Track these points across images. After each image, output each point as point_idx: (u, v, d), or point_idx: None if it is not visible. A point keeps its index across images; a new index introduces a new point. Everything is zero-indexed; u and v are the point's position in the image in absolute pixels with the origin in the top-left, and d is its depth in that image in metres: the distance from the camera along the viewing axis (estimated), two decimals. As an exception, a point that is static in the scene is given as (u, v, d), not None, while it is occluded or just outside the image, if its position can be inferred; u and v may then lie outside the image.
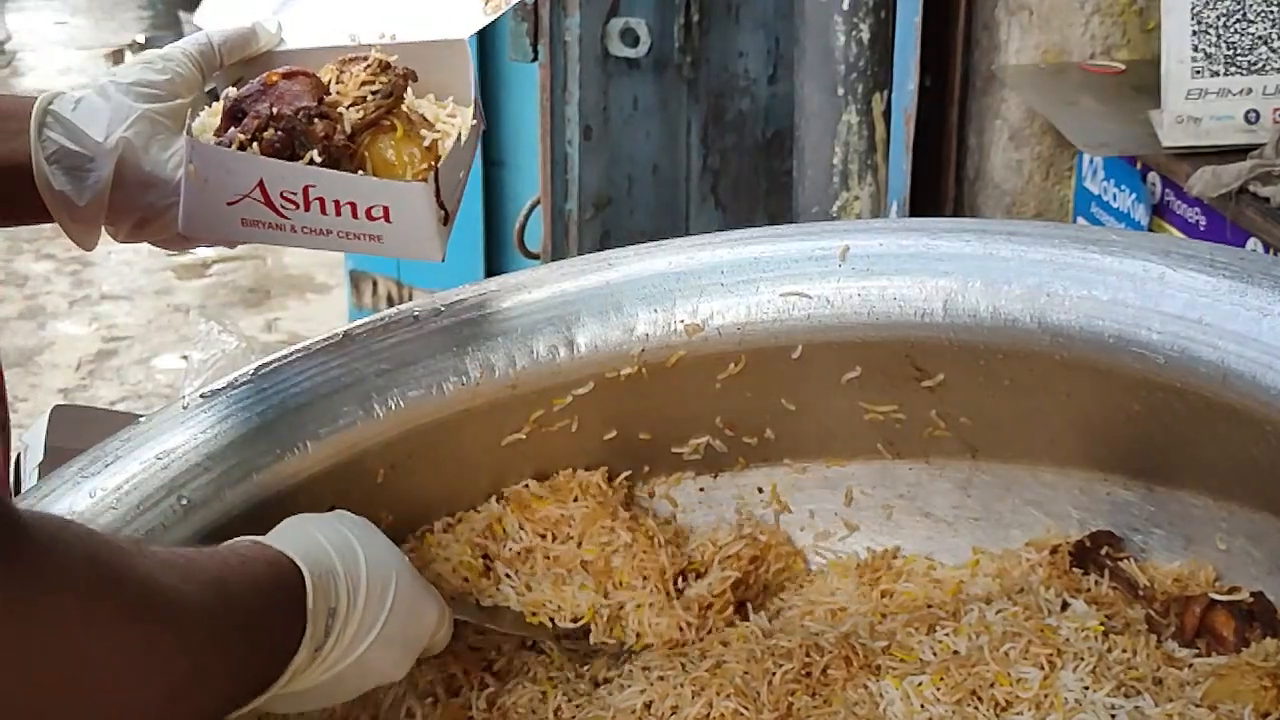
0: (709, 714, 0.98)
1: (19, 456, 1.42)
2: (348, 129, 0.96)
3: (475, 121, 1.01)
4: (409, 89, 1.00)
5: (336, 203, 0.95)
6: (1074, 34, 2.19)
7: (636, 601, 1.05)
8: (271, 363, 1.04)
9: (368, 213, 0.95)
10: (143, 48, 7.27)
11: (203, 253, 4.59)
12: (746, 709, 0.97)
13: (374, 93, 0.97)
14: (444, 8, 1.07)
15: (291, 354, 1.05)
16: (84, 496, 0.87)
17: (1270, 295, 0.91)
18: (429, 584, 0.96)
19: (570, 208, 2.51)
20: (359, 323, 1.08)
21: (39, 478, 1.16)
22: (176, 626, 0.72)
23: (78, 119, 0.97)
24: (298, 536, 0.87)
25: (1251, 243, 1.64)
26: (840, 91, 2.33)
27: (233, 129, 0.95)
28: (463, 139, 1.00)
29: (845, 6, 2.27)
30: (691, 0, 2.52)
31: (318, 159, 0.94)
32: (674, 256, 1.09)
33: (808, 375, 1.04)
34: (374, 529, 0.93)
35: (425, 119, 1.01)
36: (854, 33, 2.29)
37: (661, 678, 1.01)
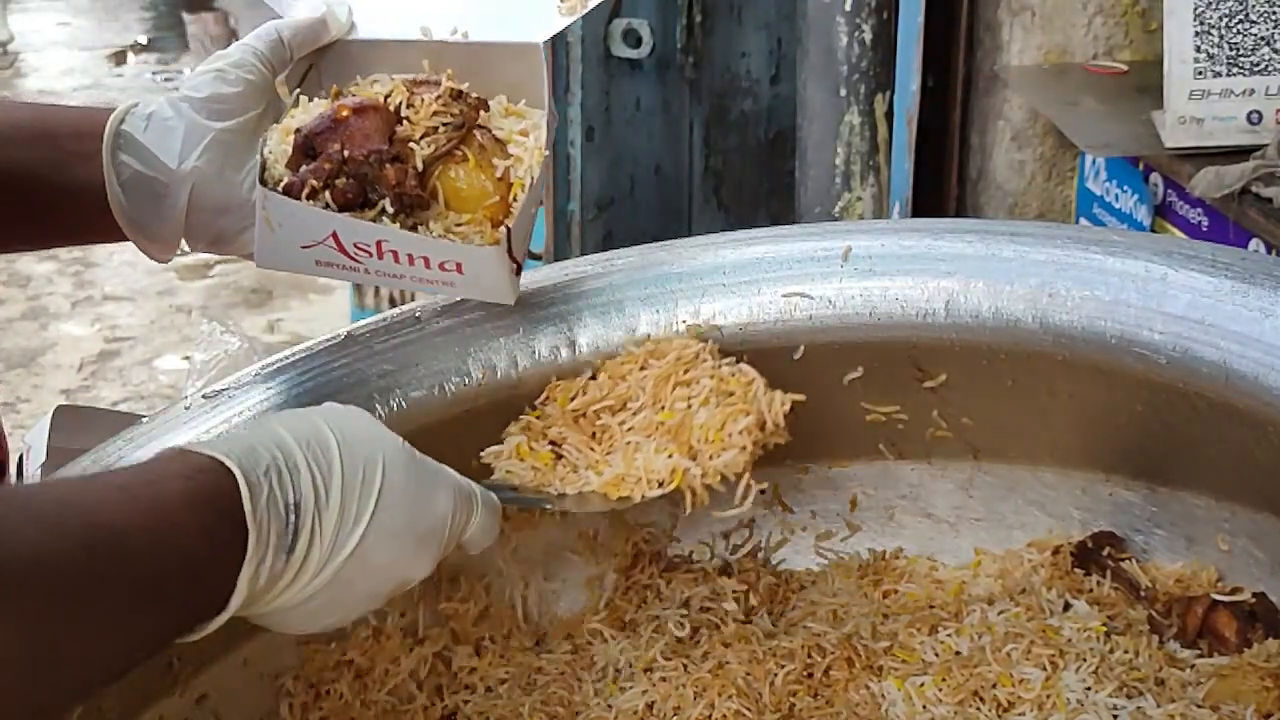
0: (711, 715, 0.98)
1: (21, 457, 1.42)
2: (419, 165, 0.94)
3: (546, 152, 0.99)
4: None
5: (410, 255, 0.94)
6: (1076, 34, 2.19)
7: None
8: (274, 363, 1.04)
9: (440, 265, 0.95)
10: (145, 49, 7.29)
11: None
12: (748, 710, 0.97)
13: (446, 124, 0.96)
14: (520, 5, 1.04)
15: (294, 355, 1.05)
16: (86, 497, 0.87)
17: (1272, 296, 0.91)
18: (442, 468, 0.87)
19: (573, 208, 2.51)
20: (361, 323, 1.08)
21: (41, 477, 1.16)
22: (18, 594, 0.63)
23: (150, 141, 0.95)
24: (244, 435, 0.80)
25: (1254, 243, 1.64)
26: (843, 92, 2.33)
27: (304, 168, 0.94)
28: (534, 177, 0.97)
29: (848, 7, 2.27)
30: (694, 1, 2.52)
31: (390, 208, 0.93)
32: (676, 257, 1.09)
33: (809, 376, 1.04)
34: (361, 414, 0.86)
35: (497, 140, 0.99)
36: (856, 33, 2.29)
37: (664, 678, 1.01)
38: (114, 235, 0.98)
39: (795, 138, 2.45)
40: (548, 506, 0.96)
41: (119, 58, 7.20)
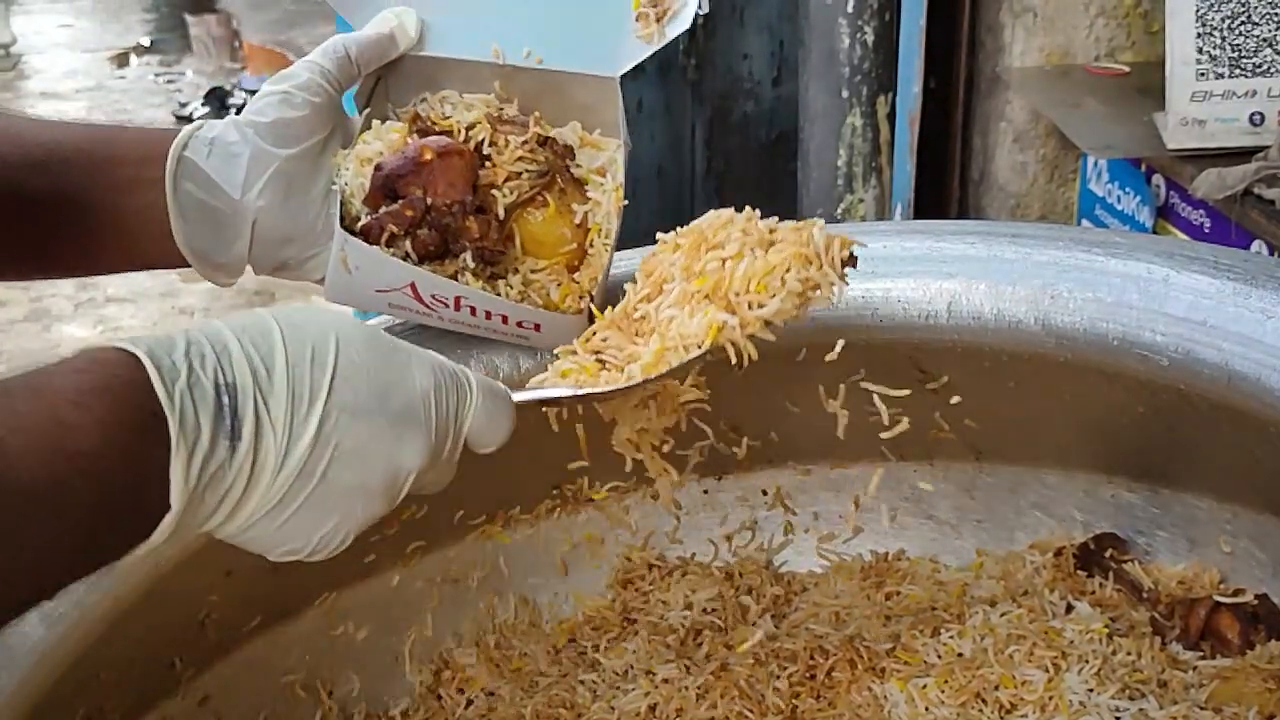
0: (713, 716, 0.98)
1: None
2: (501, 213, 0.93)
3: (622, 200, 0.97)
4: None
5: (488, 312, 0.93)
6: (1078, 36, 2.19)
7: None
8: (276, 365, 1.04)
9: (518, 324, 0.94)
10: (147, 50, 7.29)
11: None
12: (750, 711, 0.97)
13: (530, 170, 0.94)
14: (595, 30, 1.00)
15: (296, 356, 1.05)
16: (89, 498, 0.87)
17: (1274, 297, 0.91)
18: (417, 348, 0.78)
19: (575, 210, 2.51)
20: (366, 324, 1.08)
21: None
22: None
23: (213, 168, 0.92)
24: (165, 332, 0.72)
25: (1256, 245, 1.64)
26: (845, 94, 2.33)
27: (384, 209, 0.91)
28: (612, 231, 0.96)
29: (850, 9, 2.27)
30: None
31: (470, 262, 0.92)
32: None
33: (812, 377, 1.04)
34: (312, 306, 0.77)
35: (577, 182, 0.96)
36: (858, 35, 2.29)
37: (666, 680, 1.02)
38: (176, 261, 0.95)
39: (797, 139, 2.45)
40: (577, 393, 0.86)
41: (121, 59, 7.21)
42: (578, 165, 0.97)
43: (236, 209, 0.92)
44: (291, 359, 0.71)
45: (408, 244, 0.92)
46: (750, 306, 0.86)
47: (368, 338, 0.75)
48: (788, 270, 0.86)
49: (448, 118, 0.97)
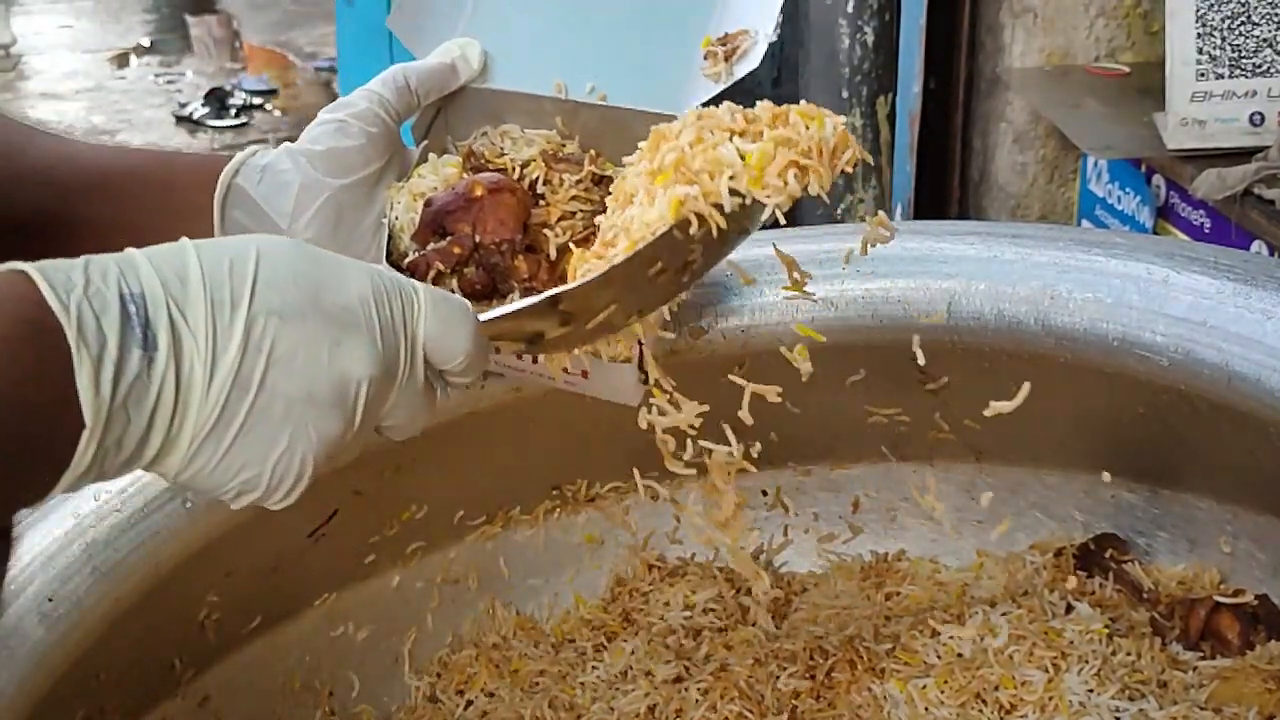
0: (713, 717, 0.98)
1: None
2: (552, 254, 0.89)
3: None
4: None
5: (534, 355, 0.90)
6: (1078, 36, 2.19)
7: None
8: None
9: (564, 369, 0.92)
10: (147, 51, 7.29)
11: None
12: (750, 712, 0.97)
13: (585, 210, 0.90)
14: (661, 67, 0.95)
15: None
16: (88, 499, 0.87)
17: (1274, 298, 0.91)
18: (355, 260, 0.74)
19: (575, 211, 2.51)
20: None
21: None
22: None
23: (262, 196, 0.90)
24: None
25: (1256, 245, 1.64)
26: (845, 94, 2.33)
27: (431, 246, 0.89)
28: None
29: (850, 9, 2.28)
30: (696, 3, 2.52)
31: (519, 301, 0.87)
32: (678, 259, 1.09)
33: (812, 378, 1.04)
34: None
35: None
36: (858, 36, 2.29)
37: (666, 681, 1.01)
38: None
39: (797, 140, 2.44)
40: (544, 296, 0.80)
41: (121, 60, 7.20)
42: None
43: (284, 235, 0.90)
44: (207, 269, 0.67)
45: (454, 282, 0.89)
46: (713, 178, 0.80)
47: (291, 246, 0.71)
48: (767, 140, 0.81)
49: (503, 154, 0.94)
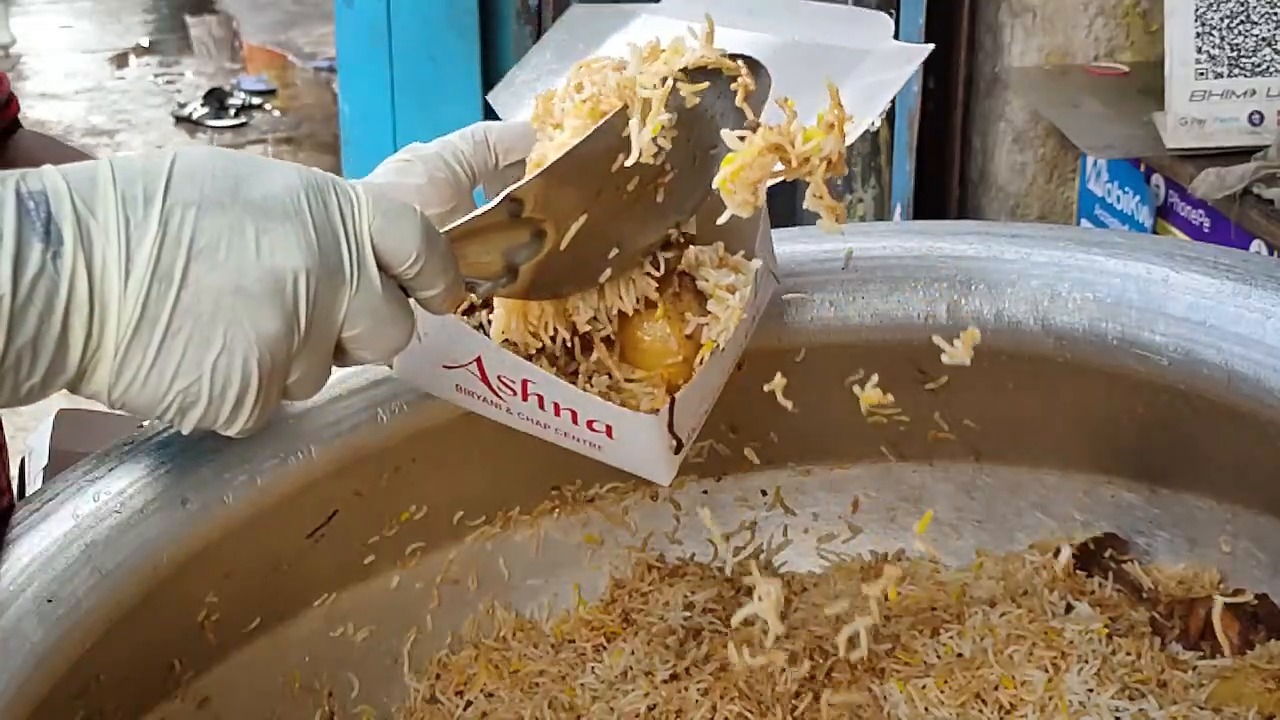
0: (713, 718, 0.98)
1: (24, 460, 1.43)
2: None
3: (745, 315, 0.87)
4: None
5: (556, 404, 0.83)
6: (1077, 36, 2.19)
7: None
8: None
9: (589, 424, 0.83)
10: (146, 51, 7.29)
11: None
12: (751, 712, 0.97)
13: (647, 273, 0.86)
14: None
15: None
16: (88, 500, 0.87)
17: (1274, 297, 0.91)
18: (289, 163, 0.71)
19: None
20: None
21: (43, 481, 1.16)
22: None
23: None
24: None
25: (1255, 244, 1.65)
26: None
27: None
28: (721, 347, 0.86)
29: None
30: (695, 3, 2.52)
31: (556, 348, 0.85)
32: (677, 259, 1.09)
33: (811, 378, 1.04)
34: None
35: (697, 292, 0.88)
36: (857, 35, 2.29)
37: (666, 681, 1.01)
38: None
39: (797, 139, 2.44)
40: (507, 191, 0.76)
41: (121, 60, 7.20)
42: (704, 279, 0.89)
43: None
44: (119, 169, 0.64)
45: (483, 315, 0.86)
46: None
47: (210, 149, 0.68)
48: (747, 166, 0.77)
49: None
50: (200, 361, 0.64)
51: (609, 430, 0.83)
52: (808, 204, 0.80)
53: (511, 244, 0.77)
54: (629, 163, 0.77)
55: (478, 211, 0.75)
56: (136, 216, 0.62)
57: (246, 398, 0.66)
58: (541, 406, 0.84)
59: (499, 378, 0.84)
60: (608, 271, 0.83)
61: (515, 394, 0.84)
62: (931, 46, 0.94)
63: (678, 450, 0.84)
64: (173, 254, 0.63)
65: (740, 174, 0.76)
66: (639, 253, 0.86)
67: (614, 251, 0.81)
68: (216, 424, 0.67)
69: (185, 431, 0.67)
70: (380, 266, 0.69)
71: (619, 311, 0.87)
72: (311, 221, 0.66)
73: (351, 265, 0.68)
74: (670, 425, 0.82)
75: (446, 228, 0.74)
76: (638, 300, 0.86)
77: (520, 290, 0.81)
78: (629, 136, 0.77)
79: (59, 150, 1.05)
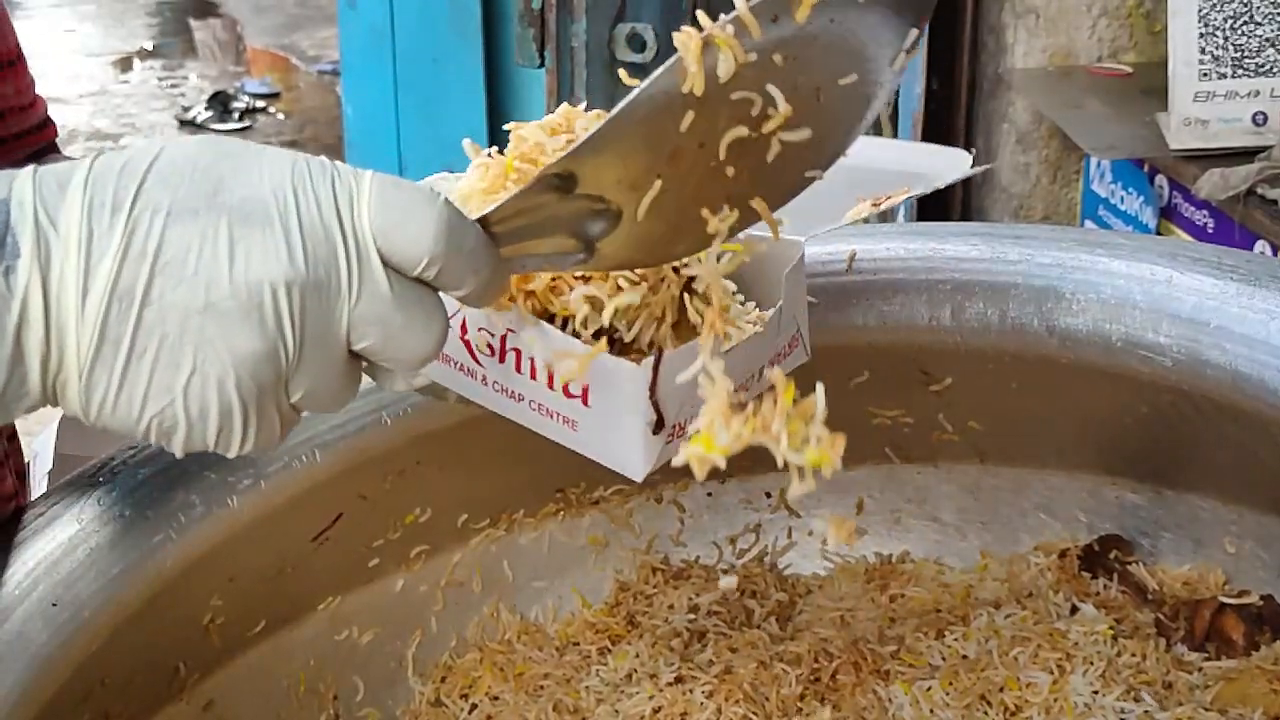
0: (718, 719, 0.98)
1: (28, 463, 1.43)
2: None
3: (760, 329, 0.80)
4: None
5: (532, 362, 0.77)
6: (1081, 37, 2.19)
7: None
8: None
9: (565, 388, 0.76)
10: (150, 55, 7.30)
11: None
12: (755, 714, 0.97)
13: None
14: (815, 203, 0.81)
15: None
16: (92, 504, 0.87)
17: (1279, 298, 0.91)
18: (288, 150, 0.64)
19: (578, 213, 2.51)
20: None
21: (48, 485, 1.16)
22: None
23: None
24: None
25: (1259, 245, 1.64)
26: (847, 95, 2.33)
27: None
28: (723, 335, 0.76)
29: (852, 10, 2.27)
30: (699, 4, 2.52)
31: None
32: (681, 262, 1.09)
33: (814, 380, 1.04)
34: None
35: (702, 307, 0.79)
36: (860, 37, 2.29)
37: (670, 684, 1.01)
38: None
39: (800, 141, 2.44)
40: (547, 171, 0.65)
41: (125, 64, 7.21)
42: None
43: None
44: (95, 172, 0.58)
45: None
46: None
47: (202, 140, 0.61)
48: None
49: None
50: (170, 385, 0.59)
51: (585, 394, 0.76)
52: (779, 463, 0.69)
53: (576, 218, 0.66)
54: (692, 91, 0.63)
55: (515, 192, 0.65)
56: (101, 226, 0.57)
57: (231, 422, 0.61)
58: (518, 368, 0.78)
59: (480, 331, 0.78)
60: (724, 230, 0.69)
61: (493, 354, 0.79)
62: (976, 166, 0.92)
63: (657, 429, 0.76)
64: (135, 269, 0.57)
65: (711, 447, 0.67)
66: (768, 205, 0.72)
67: (725, 211, 0.68)
68: (208, 448, 0.61)
69: (178, 455, 0.62)
70: (392, 267, 0.62)
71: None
72: (299, 224, 0.59)
73: (349, 271, 0.61)
74: (652, 388, 0.74)
75: (483, 212, 0.65)
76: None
77: (608, 264, 0.70)
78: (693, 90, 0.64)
79: None
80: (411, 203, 0.61)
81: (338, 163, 0.62)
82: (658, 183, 0.65)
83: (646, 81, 0.63)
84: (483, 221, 0.65)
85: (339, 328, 0.61)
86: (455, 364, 0.82)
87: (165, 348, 0.58)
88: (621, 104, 0.64)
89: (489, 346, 0.79)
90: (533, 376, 0.78)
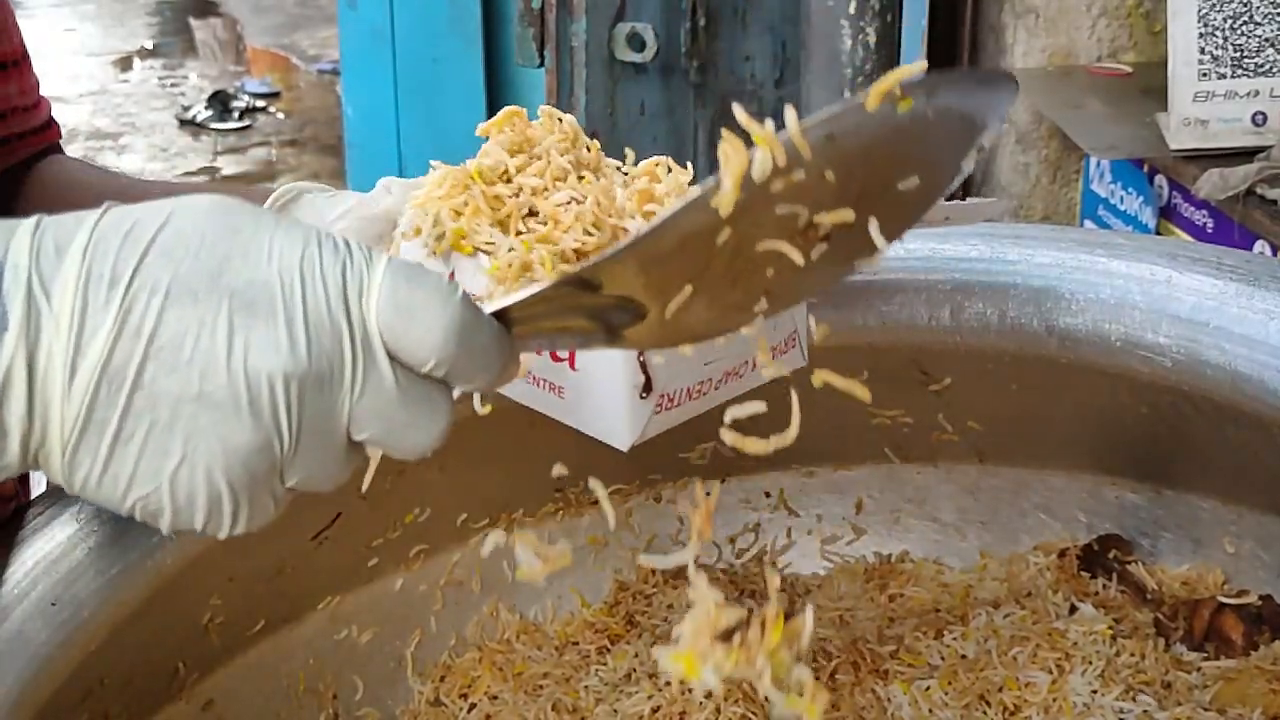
0: (717, 719, 0.98)
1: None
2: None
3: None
4: None
5: None
6: (1080, 37, 2.19)
7: None
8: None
9: (553, 356, 0.76)
10: (151, 54, 7.30)
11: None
12: (754, 714, 0.97)
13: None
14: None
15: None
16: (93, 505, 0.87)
17: (1278, 298, 0.91)
18: (304, 221, 0.63)
19: (577, 212, 2.51)
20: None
21: (48, 484, 1.16)
22: None
23: (298, 210, 0.86)
24: None
25: (1259, 245, 1.64)
26: (847, 95, 2.33)
27: None
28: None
29: (851, 10, 2.27)
30: (698, 4, 2.52)
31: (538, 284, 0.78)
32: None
33: (814, 382, 1.04)
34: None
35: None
36: (860, 36, 2.29)
37: (669, 683, 1.01)
38: None
39: (800, 141, 2.45)
40: (553, 282, 0.61)
41: (125, 63, 7.21)
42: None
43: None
44: (99, 236, 0.56)
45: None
46: None
47: (214, 205, 0.57)
48: None
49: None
50: (157, 471, 0.56)
51: (572, 358, 0.75)
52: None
53: (600, 310, 0.62)
54: (722, 216, 0.59)
55: (535, 290, 0.61)
56: (97, 301, 0.55)
57: (220, 510, 0.58)
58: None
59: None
60: (759, 318, 0.66)
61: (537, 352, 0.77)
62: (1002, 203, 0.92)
63: (645, 393, 0.75)
64: (128, 350, 0.55)
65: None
66: (808, 293, 0.71)
67: (761, 303, 0.65)
68: (196, 531, 0.59)
69: (164, 533, 0.60)
70: (399, 363, 0.59)
71: None
72: (303, 314, 0.56)
73: (353, 365, 0.58)
74: (642, 357, 0.73)
75: (498, 305, 0.61)
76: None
77: (631, 347, 0.67)
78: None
79: (96, 180, 1.03)
80: (424, 300, 0.58)
81: (354, 244, 0.59)
82: (688, 288, 0.62)
83: (682, 202, 0.59)
84: (500, 314, 0.62)
85: (339, 421, 0.59)
86: None
87: (154, 434, 0.56)
88: (654, 223, 0.59)
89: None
90: None
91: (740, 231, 0.60)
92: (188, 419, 0.56)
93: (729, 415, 0.67)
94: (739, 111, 0.58)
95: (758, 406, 0.66)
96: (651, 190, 0.82)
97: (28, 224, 0.56)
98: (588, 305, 0.62)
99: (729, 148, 0.57)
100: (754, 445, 0.66)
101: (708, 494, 0.65)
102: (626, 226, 0.79)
